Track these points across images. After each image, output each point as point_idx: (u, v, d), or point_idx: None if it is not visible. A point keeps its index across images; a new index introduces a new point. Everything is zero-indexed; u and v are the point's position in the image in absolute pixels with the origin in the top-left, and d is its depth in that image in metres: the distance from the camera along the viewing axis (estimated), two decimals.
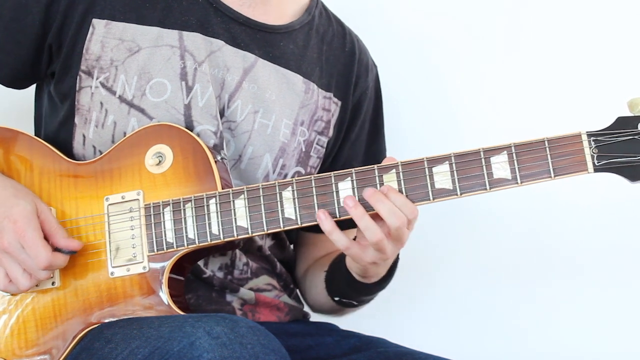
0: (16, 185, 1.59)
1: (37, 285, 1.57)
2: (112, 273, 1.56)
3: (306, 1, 1.80)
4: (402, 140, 2.02)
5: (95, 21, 1.64)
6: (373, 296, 1.72)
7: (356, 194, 1.50)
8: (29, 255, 1.50)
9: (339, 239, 1.49)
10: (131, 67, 1.63)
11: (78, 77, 1.64)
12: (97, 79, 1.64)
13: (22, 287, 1.53)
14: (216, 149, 1.64)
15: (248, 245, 1.73)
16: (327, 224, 1.48)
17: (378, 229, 1.47)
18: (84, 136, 1.65)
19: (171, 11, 1.66)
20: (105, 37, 1.64)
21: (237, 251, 1.71)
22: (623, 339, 2.12)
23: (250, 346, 1.33)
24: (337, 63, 1.80)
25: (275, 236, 1.80)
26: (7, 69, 1.70)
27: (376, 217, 1.48)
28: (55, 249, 1.53)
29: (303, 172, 1.74)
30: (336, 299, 1.73)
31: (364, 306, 1.77)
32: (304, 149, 1.74)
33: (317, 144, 1.76)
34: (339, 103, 1.79)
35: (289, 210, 1.52)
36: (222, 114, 1.67)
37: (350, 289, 1.67)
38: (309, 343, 1.71)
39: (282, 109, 1.71)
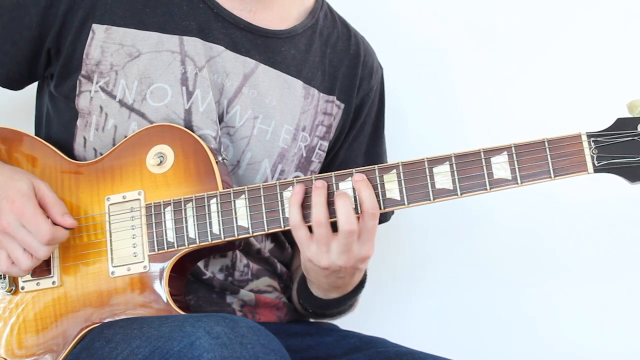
0: (13, 168, 1.59)
1: (37, 284, 1.58)
2: (112, 272, 1.56)
3: (310, 4, 1.79)
4: (402, 140, 2.02)
5: (95, 26, 1.64)
6: (342, 309, 1.71)
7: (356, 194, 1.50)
8: (29, 232, 1.50)
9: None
10: (131, 71, 1.63)
11: (78, 82, 1.64)
12: (96, 83, 1.63)
13: (24, 266, 1.52)
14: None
15: (247, 248, 1.73)
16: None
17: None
18: (84, 138, 1.65)
19: (171, 16, 1.66)
20: (105, 42, 1.63)
21: (238, 253, 1.71)
22: (622, 338, 2.12)
23: (250, 346, 1.33)
24: (341, 65, 1.79)
25: (274, 239, 1.80)
26: (3, 69, 1.70)
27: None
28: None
29: (303, 177, 1.74)
30: (310, 310, 1.72)
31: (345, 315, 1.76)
32: (305, 155, 1.73)
33: (319, 149, 1.76)
34: (342, 106, 1.78)
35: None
36: (221, 119, 1.67)
37: (314, 305, 1.67)
38: (308, 343, 1.71)
39: (283, 114, 1.71)
